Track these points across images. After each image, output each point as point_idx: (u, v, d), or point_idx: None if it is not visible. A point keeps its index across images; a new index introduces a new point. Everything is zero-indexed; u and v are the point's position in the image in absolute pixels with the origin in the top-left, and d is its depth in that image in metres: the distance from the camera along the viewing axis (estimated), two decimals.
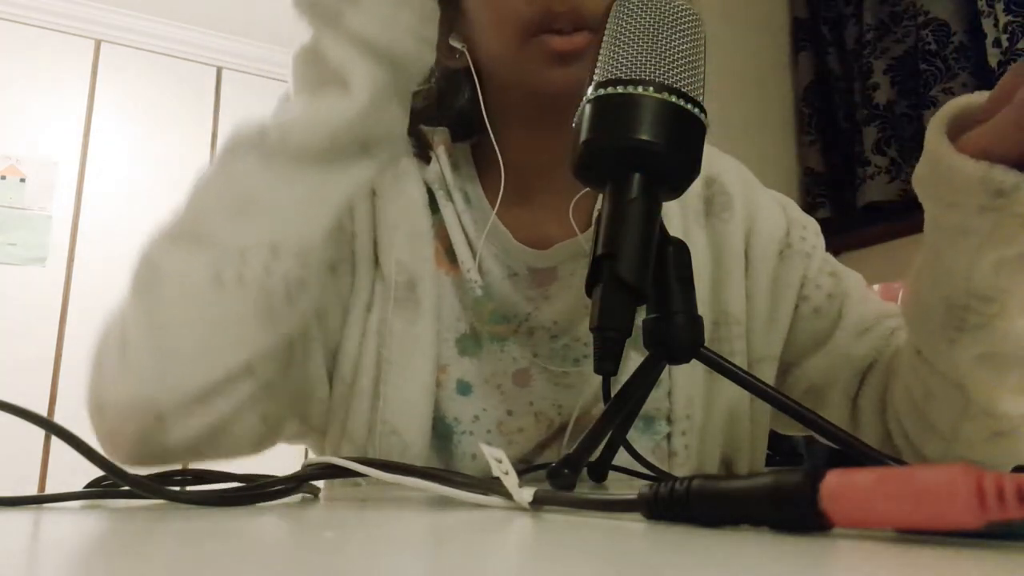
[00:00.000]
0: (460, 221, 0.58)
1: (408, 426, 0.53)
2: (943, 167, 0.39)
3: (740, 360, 0.57)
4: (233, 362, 0.42)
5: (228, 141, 0.44)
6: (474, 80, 0.57)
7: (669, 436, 0.56)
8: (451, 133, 0.62)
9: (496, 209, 0.58)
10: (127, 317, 0.42)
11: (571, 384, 0.56)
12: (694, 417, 0.56)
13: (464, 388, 0.56)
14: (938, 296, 0.43)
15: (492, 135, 0.57)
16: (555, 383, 0.56)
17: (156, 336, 0.41)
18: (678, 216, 0.59)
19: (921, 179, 0.42)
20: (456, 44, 0.57)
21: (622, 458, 0.48)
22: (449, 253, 0.58)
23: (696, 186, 0.61)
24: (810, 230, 0.62)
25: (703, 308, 0.57)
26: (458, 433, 0.55)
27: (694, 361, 0.40)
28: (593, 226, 0.38)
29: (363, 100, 0.43)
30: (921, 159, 0.41)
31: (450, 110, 0.63)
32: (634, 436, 0.55)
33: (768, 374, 0.59)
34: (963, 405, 0.45)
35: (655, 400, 0.56)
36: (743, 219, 0.61)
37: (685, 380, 0.56)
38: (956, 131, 0.40)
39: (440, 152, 0.61)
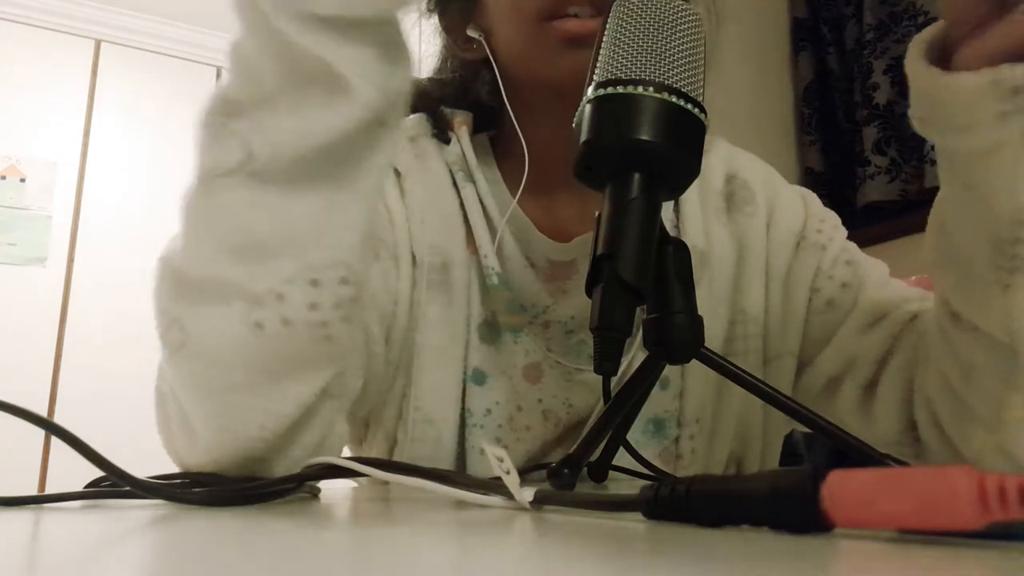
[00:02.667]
0: (482, 204, 0.57)
1: (442, 414, 0.53)
2: (943, 91, 0.36)
3: (755, 358, 0.57)
4: (307, 395, 0.38)
5: (202, 168, 0.36)
6: (494, 70, 0.56)
7: (677, 439, 0.55)
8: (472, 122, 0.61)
9: (518, 197, 0.57)
10: (175, 386, 0.38)
11: (584, 381, 0.56)
12: (704, 421, 0.55)
13: (479, 377, 0.55)
14: (981, 239, 0.39)
15: (516, 123, 0.56)
16: (567, 380, 0.56)
17: (215, 403, 0.37)
18: (698, 215, 0.59)
19: (924, 118, 0.38)
20: (473, 34, 0.57)
21: (624, 459, 0.48)
22: (471, 236, 0.57)
23: (717, 184, 0.61)
24: (828, 223, 0.60)
25: (721, 307, 0.57)
26: (469, 425, 0.55)
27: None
28: (594, 226, 0.38)
29: (370, 94, 0.34)
30: (912, 98, 0.38)
31: (471, 101, 0.62)
32: (643, 440, 0.55)
33: (785, 371, 0.57)
34: (1009, 372, 0.40)
35: (665, 403, 0.56)
36: (765, 212, 0.60)
37: (697, 384, 0.55)
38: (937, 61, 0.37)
39: (462, 133, 0.60)
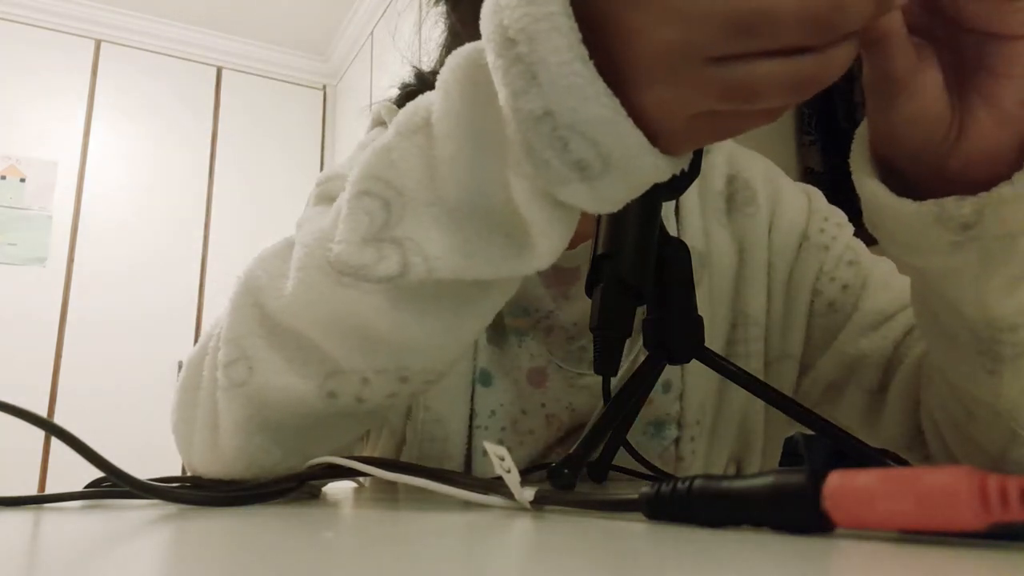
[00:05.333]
0: None
1: (452, 414, 0.53)
2: (888, 215, 0.33)
3: (756, 361, 0.56)
4: (344, 443, 0.40)
5: (348, 258, 0.32)
6: None
7: (677, 440, 0.55)
8: None
9: None
10: (221, 409, 0.37)
11: (587, 386, 0.56)
12: (704, 422, 0.55)
13: (486, 378, 0.55)
14: (960, 327, 0.36)
15: None
16: (570, 384, 0.56)
17: (254, 441, 0.37)
18: (698, 217, 0.58)
19: (874, 227, 0.35)
20: None
21: (625, 459, 0.48)
22: None
23: (717, 185, 0.60)
24: (831, 221, 0.59)
25: (721, 308, 0.56)
26: (473, 426, 0.55)
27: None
28: (595, 226, 0.38)
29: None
30: (863, 204, 0.35)
31: None
32: (643, 441, 0.55)
33: (787, 374, 0.57)
34: (1012, 433, 0.39)
35: (666, 405, 0.55)
36: (767, 212, 0.59)
37: (697, 385, 0.55)
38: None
39: None
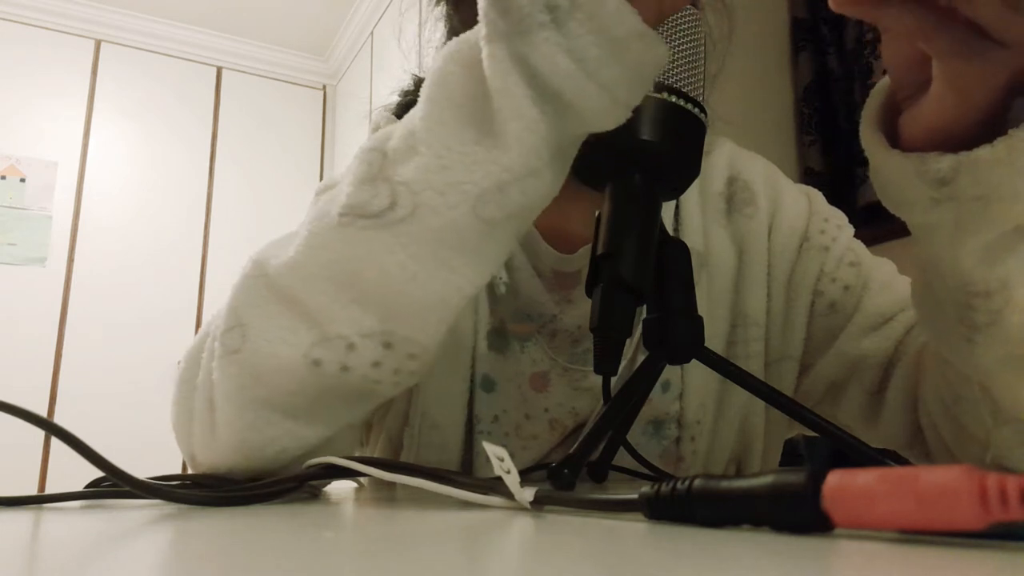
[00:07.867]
0: None
1: (449, 420, 0.53)
2: (878, 165, 0.35)
3: (757, 362, 0.56)
4: (334, 428, 0.39)
5: (349, 203, 0.35)
6: None
7: (677, 440, 0.55)
8: None
9: None
10: (216, 379, 0.38)
11: (589, 388, 0.56)
12: (704, 422, 0.55)
13: (488, 384, 0.55)
14: (944, 294, 0.38)
15: None
16: (574, 387, 0.56)
17: (247, 415, 0.37)
18: (697, 217, 0.58)
19: (873, 181, 0.37)
20: None
21: (625, 459, 0.48)
22: None
23: (718, 185, 0.60)
24: (832, 222, 0.59)
25: (720, 309, 0.56)
26: (476, 432, 0.55)
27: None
28: (594, 226, 0.38)
29: (515, 154, 0.33)
30: (867, 155, 0.37)
31: None
32: (643, 441, 0.55)
33: (787, 375, 0.57)
34: (993, 409, 0.40)
35: (665, 404, 0.55)
36: (767, 213, 0.59)
37: (697, 385, 0.55)
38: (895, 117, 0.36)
39: None
